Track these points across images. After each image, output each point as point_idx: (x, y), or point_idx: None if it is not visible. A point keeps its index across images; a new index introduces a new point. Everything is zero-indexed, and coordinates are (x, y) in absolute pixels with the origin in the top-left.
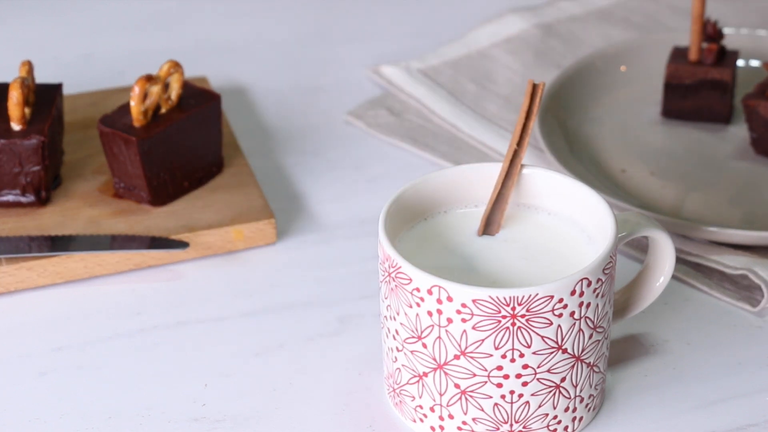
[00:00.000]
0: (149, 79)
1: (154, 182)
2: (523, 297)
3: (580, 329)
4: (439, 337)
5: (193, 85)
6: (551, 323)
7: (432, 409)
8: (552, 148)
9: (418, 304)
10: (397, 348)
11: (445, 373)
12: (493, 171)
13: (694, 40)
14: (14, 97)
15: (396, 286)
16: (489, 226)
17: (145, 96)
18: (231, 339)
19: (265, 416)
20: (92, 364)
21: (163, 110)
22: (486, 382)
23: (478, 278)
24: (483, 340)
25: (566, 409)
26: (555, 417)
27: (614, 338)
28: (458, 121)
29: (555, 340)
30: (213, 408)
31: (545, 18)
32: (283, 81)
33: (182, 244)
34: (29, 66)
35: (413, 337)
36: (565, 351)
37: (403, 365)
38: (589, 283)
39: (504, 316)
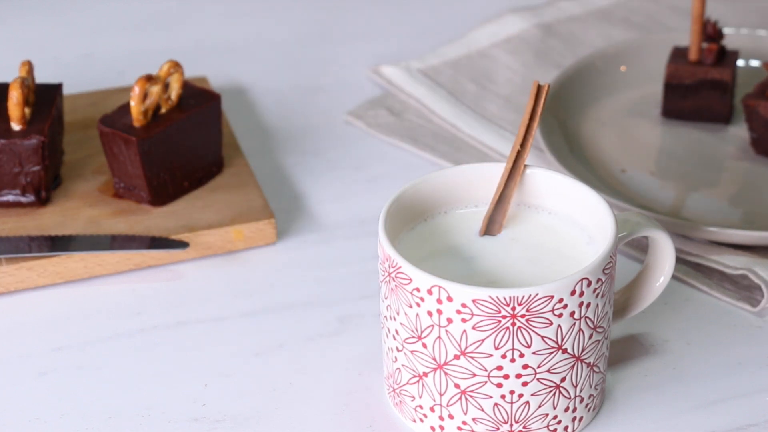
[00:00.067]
0: (149, 79)
1: (154, 182)
2: (523, 297)
3: (580, 329)
4: (439, 337)
5: (193, 85)
6: (551, 323)
7: (432, 409)
8: (552, 148)
9: (418, 304)
10: (397, 348)
11: (445, 373)
12: (494, 171)
13: (694, 40)
14: (14, 97)
15: (396, 286)
16: (491, 226)
17: (145, 96)
18: (231, 339)
19: (265, 416)
20: (92, 364)
21: (163, 110)
22: (486, 382)
23: (477, 278)
24: (483, 340)
25: (566, 409)
26: (555, 417)
27: (614, 338)
28: (458, 121)
29: (555, 340)
30: (213, 408)
31: (545, 18)
32: (283, 81)
33: (182, 244)
34: (29, 66)
35: (413, 337)
36: (565, 351)
37: (403, 365)
38: (589, 283)
39: (504, 316)
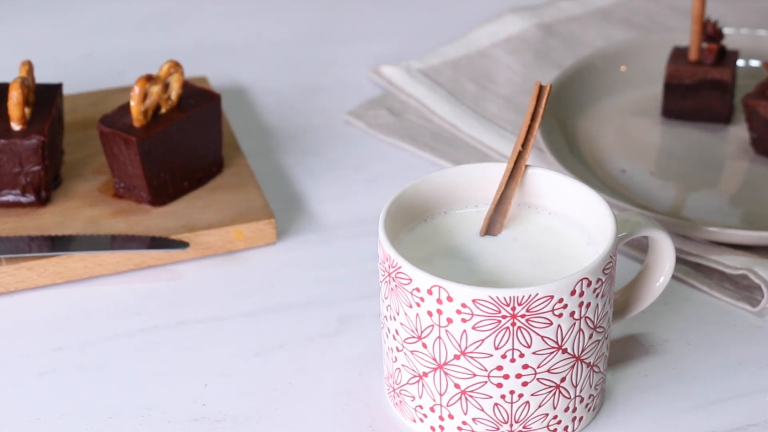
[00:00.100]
0: (149, 79)
1: (154, 182)
2: (523, 297)
3: (580, 329)
4: (439, 337)
5: (193, 85)
6: (551, 323)
7: (432, 409)
8: (552, 148)
9: (418, 304)
10: (397, 348)
11: (445, 373)
12: (494, 171)
13: (694, 40)
14: (14, 97)
15: (396, 286)
16: (491, 226)
17: (145, 96)
18: (231, 339)
19: (265, 416)
20: (92, 364)
21: (163, 110)
22: (486, 382)
23: (477, 278)
24: (483, 340)
25: (566, 409)
26: (555, 417)
27: (614, 338)
28: (458, 121)
29: (555, 340)
30: (213, 408)
31: (545, 18)
32: (283, 81)
33: (182, 244)
34: (29, 66)
35: (413, 337)
36: (565, 351)
37: (403, 365)
38: (589, 283)
39: (504, 316)
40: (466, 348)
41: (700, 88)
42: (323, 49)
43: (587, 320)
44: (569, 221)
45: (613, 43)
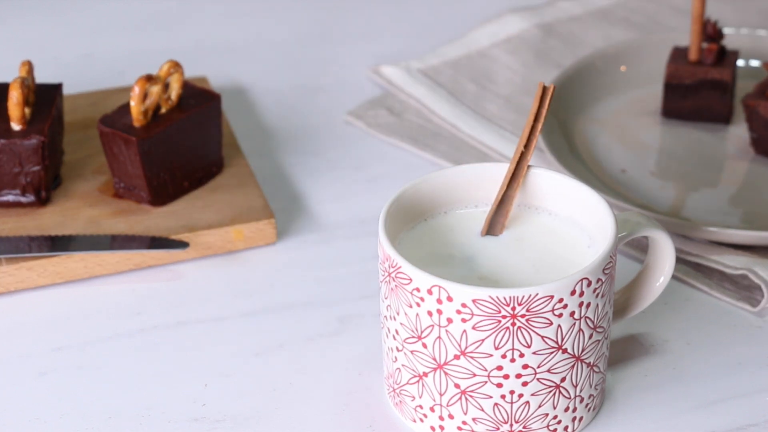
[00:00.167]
0: (149, 79)
1: (154, 182)
2: (523, 297)
3: (580, 329)
4: (439, 337)
5: (193, 85)
6: (551, 323)
7: (432, 409)
8: (552, 148)
9: (418, 304)
10: (397, 348)
11: (445, 373)
12: (494, 171)
13: (694, 40)
14: (14, 97)
15: (396, 286)
16: (493, 226)
17: (145, 96)
18: (231, 339)
19: (265, 416)
20: (92, 364)
21: (163, 110)
22: (486, 382)
23: (477, 278)
24: (483, 340)
25: (566, 409)
26: (555, 417)
27: (614, 338)
28: (458, 121)
29: (555, 340)
30: (213, 408)
31: (545, 18)
32: (283, 81)
33: (182, 244)
34: (29, 66)
35: (413, 337)
36: (565, 351)
37: (403, 365)
38: (589, 283)
39: (504, 316)
40: (466, 348)
41: (700, 88)
42: (323, 49)
43: (587, 320)
44: (569, 221)
45: (613, 43)
